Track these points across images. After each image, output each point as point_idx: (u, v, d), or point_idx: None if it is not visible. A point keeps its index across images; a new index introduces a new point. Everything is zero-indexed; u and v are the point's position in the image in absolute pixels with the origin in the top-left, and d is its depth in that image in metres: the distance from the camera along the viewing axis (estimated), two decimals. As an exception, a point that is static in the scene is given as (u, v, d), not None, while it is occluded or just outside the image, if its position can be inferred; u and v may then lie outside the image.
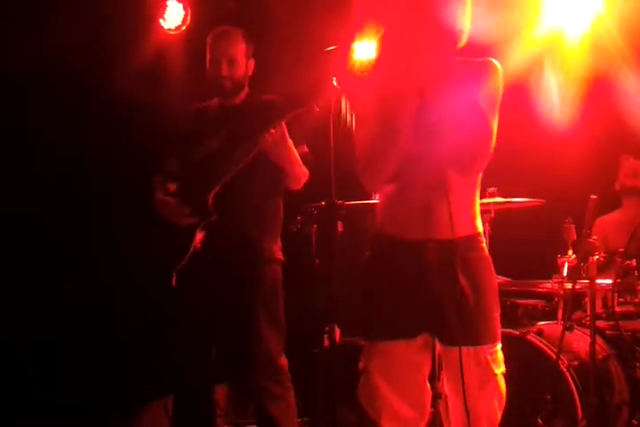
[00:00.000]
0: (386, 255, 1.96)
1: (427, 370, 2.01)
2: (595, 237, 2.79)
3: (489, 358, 1.92)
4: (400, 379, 1.93)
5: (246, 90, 2.68)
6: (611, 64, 3.23)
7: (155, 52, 3.57)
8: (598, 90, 3.33)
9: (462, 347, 1.87)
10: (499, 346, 1.96)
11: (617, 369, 2.94)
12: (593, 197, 2.64)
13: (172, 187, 2.60)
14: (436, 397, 2.12)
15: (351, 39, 3.00)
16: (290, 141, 2.44)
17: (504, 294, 3.12)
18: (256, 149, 2.42)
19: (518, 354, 2.77)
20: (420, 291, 1.91)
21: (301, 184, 2.57)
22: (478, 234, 1.96)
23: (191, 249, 2.47)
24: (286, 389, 2.49)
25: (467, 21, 1.92)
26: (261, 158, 2.46)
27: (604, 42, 3.19)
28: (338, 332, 2.05)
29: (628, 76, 3.29)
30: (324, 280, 2.50)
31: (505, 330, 2.76)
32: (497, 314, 1.97)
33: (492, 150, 1.91)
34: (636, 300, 2.83)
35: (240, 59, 2.60)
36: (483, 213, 2.97)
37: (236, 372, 2.56)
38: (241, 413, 3.09)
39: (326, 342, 2.07)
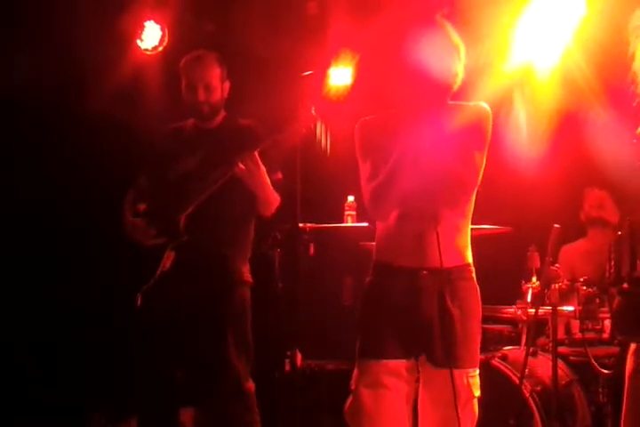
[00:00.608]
0: (383, 281, 2.11)
1: (411, 394, 2.09)
2: (557, 265, 2.86)
3: (471, 381, 2.04)
4: (386, 399, 2.03)
5: (223, 113, 2.71)
6: (580, 98, 3.34)
7: (132, 72, 3.60)
8: (567, 123, 3.43)
9: (446, 369, 2.00)
10: (477, 371, 2.09)
11: (580, 394, 3.00)
12: (556, 226, 2.72)
13: (142, 206, 2.61)
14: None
15: (327, 65, 3.07)
16: (263, 168, 2.48)
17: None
18: (231, 172, 2.45)
19: (483, 379, 2.80)
20: (412, 315, 2.05)
21: (272, 211, 2.61)
22: (468, 264, 2.11)
23: (159, 270, 2.47)
24: (252, 413, 2.49)
25: (461, 65, 2.05)
26: (237, 181, 2.49)
27: (573, 76, 3.29)
28: (299, 356, 2.08)
29: (595, 109, 3.40)
30: (287, 304, 2.53)
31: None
32: (479, 340, 2.11)
33: (477, 185, 2.08)
34: (598, 327, 2.89)
35: (216, 83, 2.62)
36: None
37: (203, 395, 2.56)
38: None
39: (287, 367, 2.10)
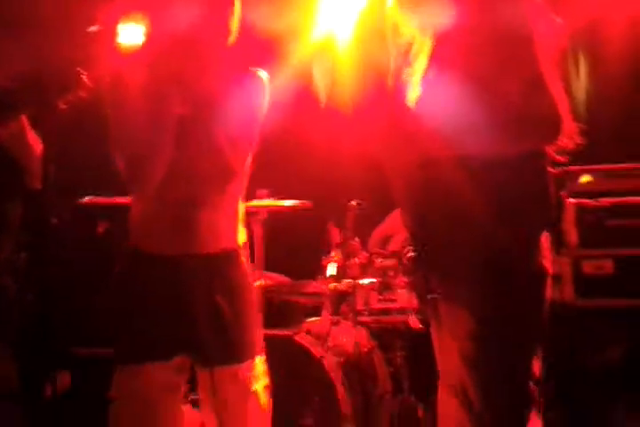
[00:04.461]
0: (138, 271, 1.86)
1: (181, 393, 1.90)
2: (357, 239, 2.93)
3: (248, 374, 1.86)
4: (153, 405, 1.81)
5: None
6: (379, 68, 3.36)
7: None
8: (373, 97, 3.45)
9: (218, 367, 1.81)
10: (259, 359, 1.92)
11: (380, 360, 3.11)
12: (352, 202, 2.77)
13: None
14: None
15: (115, 21, 2.75)
16: (31, 134, 2.15)
17: (276, 293, 3.16)
18: None
19: (288, 355, 2.80)
20: (174, 309, 1.82)
21: (41, 182, 2.26)
22: (238, 248, 1.92)
23: None
24: None
25: (235, 21, 1.87)
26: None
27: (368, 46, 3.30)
28: (64, 380, 1.85)
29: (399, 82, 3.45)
30: (44, 321, 2.17)
31: (274, 331, 2.79)
32: (257, 328, 1.94)
33: (246, 169, 1.89)
34: (394, 296, 3.02)
35: None
36: (253, 214, 2.96)
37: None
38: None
39: (48, 392, 1.84)
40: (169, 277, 1.83)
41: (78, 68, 1.98)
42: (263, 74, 1.92)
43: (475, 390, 1.48)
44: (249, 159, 1.90)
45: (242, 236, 1.93)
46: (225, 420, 1.83)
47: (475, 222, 1.47)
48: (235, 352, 1.85)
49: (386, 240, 3.39)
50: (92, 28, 2.48)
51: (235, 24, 1.87)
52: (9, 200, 2.28)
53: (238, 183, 1.90)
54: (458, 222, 1.49)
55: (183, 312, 1.82)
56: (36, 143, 2.18)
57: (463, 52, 1.46)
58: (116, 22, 2.76)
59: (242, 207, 1.94)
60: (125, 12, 2.82)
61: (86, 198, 3.10)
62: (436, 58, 1.51)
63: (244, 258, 1.92)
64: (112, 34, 2.64)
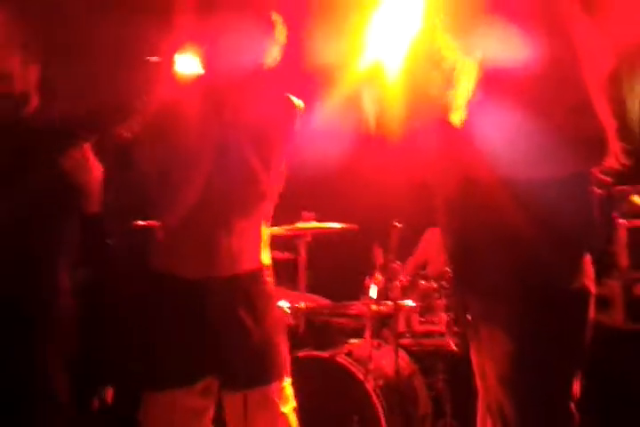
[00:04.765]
0: (163, 295, 1.86)
1: (210, 415, 1.90)
2: (398, 262, 2.96)
3: (276, 397, 1.84)
4: None
5: (34, 102, 2.27)
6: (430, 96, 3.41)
7: None
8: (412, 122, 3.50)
9: (247, 389, 1.79)
10: (287, 381, 1.90)
11: (420, 384, 3.12)
12: (396, 224, 2.79)
13: None
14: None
15: (173, 51, 2.87)
16: (93, 161, 2.22)
17: (317, 315, 3.21)
18: (56, 170, 2.16)
19: (328, 376, 2.84)
20: (198, 332, 1.81)
21: (98, 207, 2.34)
22: (263, 268, 1.92)
23: None
24: None
25: (275, 45, 1.93)
26: (62, 177, 2.21)
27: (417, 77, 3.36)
28: (110, 393, 1.89)
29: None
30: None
31: (314, 353, 2.84)
32: (284, 348, 1.91)
33: (274, 195, 1.93)
34: (436, 319, 3.03)
35: (14, 72, 2.18)
36: (299, 237, 3.04)
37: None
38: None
39: (96, 405, 1.88)
40: (192, 301, 1.82)
41: (138, 96, 2.07)
42: (296, 99, 1.95)
43: (511, 410, 1.47)
44: (280, 183, 1.93)
45: (266, 256, 1.94)
46: None
47: (518, 244, 1.47)
48: (264, 372, 1.83)
49: (422, 267, 3.41)
50: (152, 58, 2.59)
51: (275, 51, 1.91)
52: (65, 220, 2.34)
53: (266, 207, 1.93)
54: (501, 244, 1.50)
55: (208, 335, 1.80)
56: (96, 170, 2.26)
57: (515, 76, 1.46)
58: (174, 53, 2.89)
59: (266, 230, 1.96)
60: (182, 43, 2.95)
61: (140, 221, 3.19)
62: (484, 81, 1.52)
63: (269, 278, 1.92)
64: (170, 64, 2.76)
